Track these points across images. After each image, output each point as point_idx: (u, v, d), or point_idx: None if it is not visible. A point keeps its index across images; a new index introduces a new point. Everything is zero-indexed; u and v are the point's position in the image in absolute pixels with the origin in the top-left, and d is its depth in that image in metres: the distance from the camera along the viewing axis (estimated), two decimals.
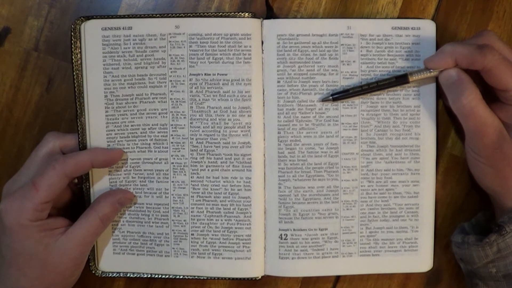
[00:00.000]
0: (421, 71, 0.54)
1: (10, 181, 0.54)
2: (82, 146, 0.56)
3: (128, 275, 0.59)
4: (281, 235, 0.58)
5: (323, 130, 0.57)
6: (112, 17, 0.57)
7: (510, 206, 0.52)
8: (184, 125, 0.57)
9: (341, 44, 0.57)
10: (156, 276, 0.59)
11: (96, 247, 0.58)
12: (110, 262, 0.59)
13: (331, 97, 0.56)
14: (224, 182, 0.57)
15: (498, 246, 0.51)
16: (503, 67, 0.50)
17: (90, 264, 0.58)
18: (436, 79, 0.56)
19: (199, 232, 0.58)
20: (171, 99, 0.57)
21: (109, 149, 0.56)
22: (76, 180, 0.58)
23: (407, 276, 0.61)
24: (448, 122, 0.60)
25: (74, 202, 0.58)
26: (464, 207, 0.60)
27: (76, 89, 0.56)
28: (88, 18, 0.56)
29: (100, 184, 0.57)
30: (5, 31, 0.60)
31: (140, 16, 0.57)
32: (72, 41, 0.56)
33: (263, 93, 0.57)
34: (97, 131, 0.56)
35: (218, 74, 0.56)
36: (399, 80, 0.55)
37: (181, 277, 0.58)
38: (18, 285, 0.52)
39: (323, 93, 0.57)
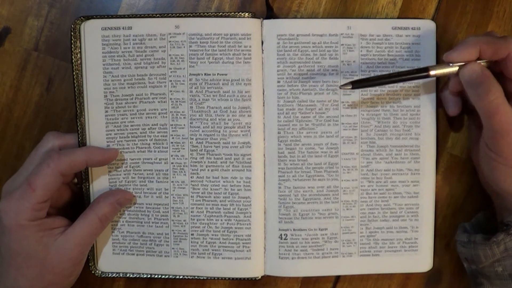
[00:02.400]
0: (442, 66, 0.53)
1: (9, 181, 0.54)
2: (82, 146, 0.56)
3: (128, 275, 0.59)
4: (281, 235, 0.58)
5: (323, 130, 0.57)
6: (112, 17, 0.57)
7: None
8: (184, 125, 0.57)
9: (341, 44, 0.57)
10: (156, 276, 0.59)
11: (95, 247, 0.58)
12: (109, 262, 0.59)
13: (351, 84, 0.54)
14: (224, 182, 0.57)
15: (505, 245, 0.51)
16: None
17: (90, 264, 0.58)
18: (437, 79, 0.56)
19: (199, 232, 0.58)
20: (171, 99, 0.57)
21: (104, 148, 0.56)
22: (76, 180, 0.58)
23: (407, 276, 0.61)
24: (448, 122, 0.60)
25: (74, 202, 0.58)
26: (464, 207, 0.60)
27: (76, 89, 0.56)
28: (88, 18, 0.56)
29: (99, 184, 0.57)
30: (5, 31, 0.60)
31: (140, 16, 0.57)
32: (72, 41, 0.56)
33: (263, 93, 0.57)
34: (96, 131, 0.56)
35: (218, 74, 0.56)
36: (420, 72, 0.53)
37: (181, 277, 0.58)
38: (17, 284, 0.52)
39: (323, 93, 0.57)
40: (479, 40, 0.51)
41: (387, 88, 0.57)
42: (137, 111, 0.57)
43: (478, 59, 0.51)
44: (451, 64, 0.52)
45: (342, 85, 0.55)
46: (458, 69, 0.52)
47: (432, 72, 0.53)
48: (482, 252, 0.52)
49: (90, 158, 0.53)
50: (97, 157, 0.54)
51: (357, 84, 0.54)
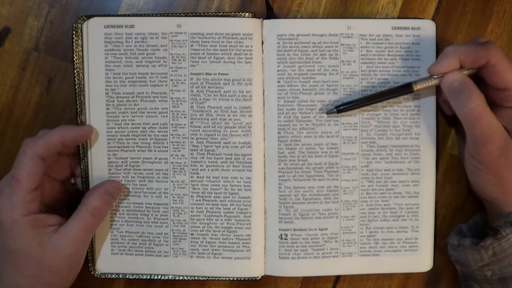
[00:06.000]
0: (425, 79, 0.54)
1: (2, 180, 0.53)
2: (82, 144, 0.57)
3: (127, 276, 0.59)
4: (281, 235, 0.58)
5: (323, 130, 0.57)
6: (114, 16, 0.57)
7: (507, 211, 0.52)
8: (185, 124, 0.57)
9: (341, 44, 0.57)
10: (156, 277, 0.58)
11: (94, 248, 0.58)
12: (108, 263, 0.59)
13: (335, 110, 0.56)
14: (224, 182, 0.57)
15: (493, 250, 0.51)
16: (505, 63, 0.50)
17: (89, 265, 0.58)
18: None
19: (199, 232, 0.58)
20: (171, 98, 0.57)
21: (78, 126, 0.56)
22: (72, 180, 0.59)
23: (407, 276, 0.61)
24: (448, 122, 0.60)
25: (73, 204, 0.57)
26: (464, 207, 0.61)
27: (76, 87, 0.56)
28: (89, 17, 0.56)
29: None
30: (5, 31, 0.60)
31: (142, 15, 0.57)
32: (74, 40, 0.56)
33: (263, 93, 0.57)
34: (97, 128, 0.57)
35: (219, 73, 0.56)
36: (404, 89, 0.55)
37: (180, 277, 0.58)
38: (14, 283, 0.51)
39: (323, 93, 0.57)
40: (458, 50, 0.51)
41: (387, 88, 0.57)
42: (138, 109, 0.57)
43: (461, 67, 0.52)
44: (435, 76, 0.53)
45: (327, 112, 0.57)
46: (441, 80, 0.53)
47: (416, 87, 0.54)
48: (471, 257, 0.52)
49: (64, 136, 0.53)
50: (71, 135, 0.54)
51: (342, 108, 0.56)
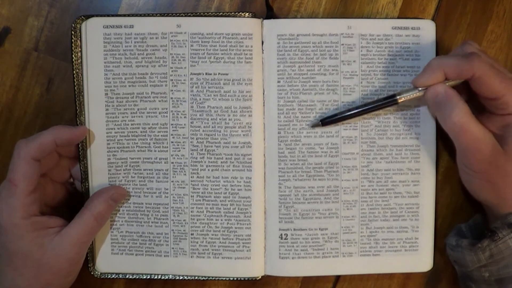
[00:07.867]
0: (409, 90, 0.54)
1: (1, 184, 0.53)
2: (81, 145, 0.57)
3: (127, 276, 0.59)
4: (281, 235, 0.58)
5: (323, 130, 0.57)
6: (113, 16, 0.57)
7: (503, 212, 0.52)
8: (185, 124, 0.57)
9: (341, 44, 0.57)
10: (156, 277, 0.58)
11: (94, 248, 0.58)
12: (108, 263, 0.59)
13: (320, 123, 0.56)
14: (224, 182, 0.57)
15: (490, 252, 0.51)
16: (491, 74, 0.49)
17: (89, 265, 0.58)
18: None
19: (199, 232, 0.58)
20: (171, 98, 0.57)
21: (72, 126, 0.55)
22: (71, 179, 0.59)
23: (407, 276, 0.61)
24: None
25: (72, 204, 0.58)
26: (464, 207, 0.61)
27: (76, 88, 0.56)
28: (89, 17, 0.56)
29: (99, 183, 0.57)
30: (5, 31, 0.60)
31: (142, 15, 0.57)
32: (73, 40, 0.56)
33: (263, 93, 0.57)
34: (96, 129, 0.56)
35: (219, 73, 0.56)
36: (388, 101, 0.55)
37: (180, 277, 0.58)
38: (15, 284, 0.52)
39: (323, 93, 0.57)
40: (442, 63, 0.51)
41: (387, 87, 0.57)
42: (138, 109, 0.57)
43: (446, 79, 0.51)
44: (419, 88, 0.53)
45: (312, 125, 0.57)
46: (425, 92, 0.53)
47: (400, 99, 0.54)
48: (468, 257, 0.52)
49: (58, 137, 0.53)
50: (65, 136, 0.53)
51: (327, 121, 0.56)
